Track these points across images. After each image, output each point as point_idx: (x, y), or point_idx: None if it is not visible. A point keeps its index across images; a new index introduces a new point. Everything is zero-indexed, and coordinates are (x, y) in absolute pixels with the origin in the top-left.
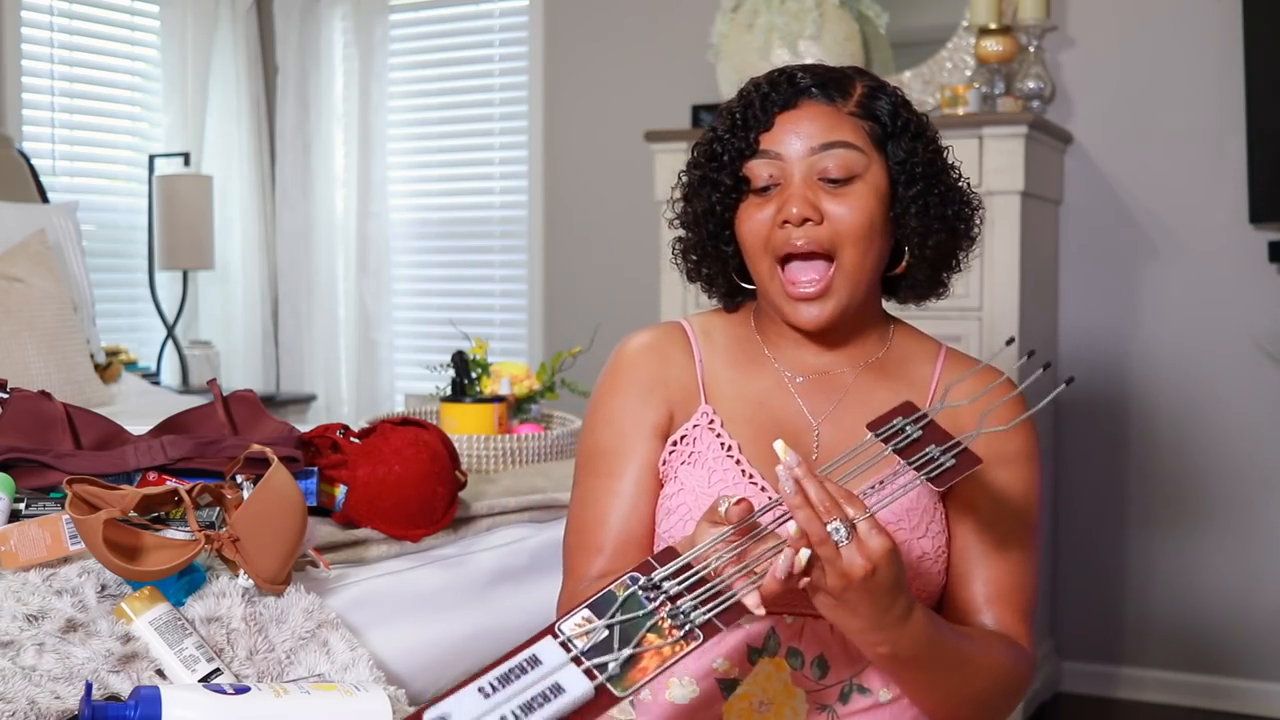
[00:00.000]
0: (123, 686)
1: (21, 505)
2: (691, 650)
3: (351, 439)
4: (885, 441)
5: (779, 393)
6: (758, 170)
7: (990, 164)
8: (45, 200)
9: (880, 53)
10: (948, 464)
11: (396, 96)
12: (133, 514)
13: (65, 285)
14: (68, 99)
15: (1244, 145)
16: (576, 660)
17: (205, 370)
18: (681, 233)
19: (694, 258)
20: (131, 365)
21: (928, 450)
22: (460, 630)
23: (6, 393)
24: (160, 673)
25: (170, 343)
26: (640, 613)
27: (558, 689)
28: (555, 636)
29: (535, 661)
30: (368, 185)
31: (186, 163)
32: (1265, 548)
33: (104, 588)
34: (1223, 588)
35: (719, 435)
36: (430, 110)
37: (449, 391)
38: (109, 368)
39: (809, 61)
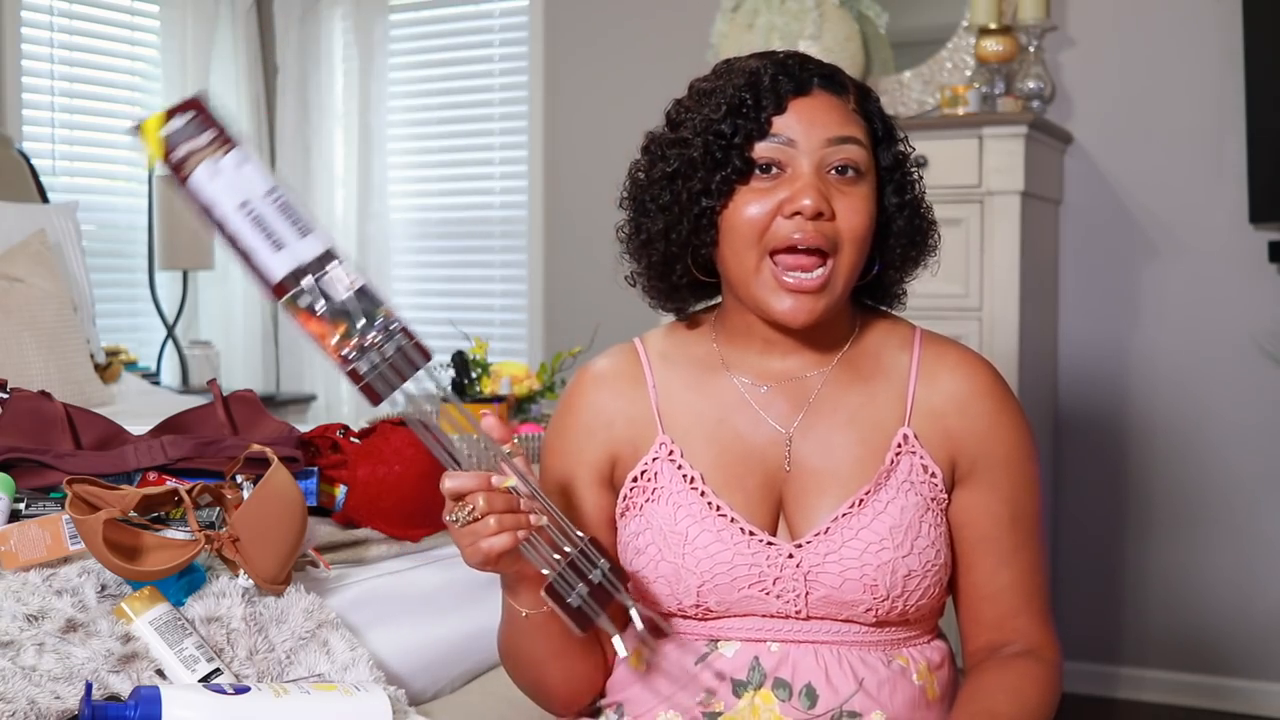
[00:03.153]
0: (123, 686)
1: (21, 505)
2: (328, 358)
3: (351, 439)
4: (581, 553)
5: (741, 408)
6: (763, 153)
7: (990, 164)
8: (45, 200)
9: (880, 53)
10: (571, 599)
11: (396, 96)
12: (133, 514)
13: (65, 285)
14: (68, 99)
15: (1244, 145)
16: (306, 265)
17: (205, 370)
18: (627, 215)
19: (664, 243)
20: (131, 365)
21: (579, 584)
22: (460, 630)
23: (6, 393)
24: (160, 673)
25: (170, 343)
26: (360, 321)
27: (277, 246)
28: (335, 258)
29: (305, 233)
30: (368, 185)
31: None
32: (1265, 547)
33: (104, 588)
34: (1222, 588)
35: (679, 466)
36: (430, 110)
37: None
38: (109, 368)
39: None
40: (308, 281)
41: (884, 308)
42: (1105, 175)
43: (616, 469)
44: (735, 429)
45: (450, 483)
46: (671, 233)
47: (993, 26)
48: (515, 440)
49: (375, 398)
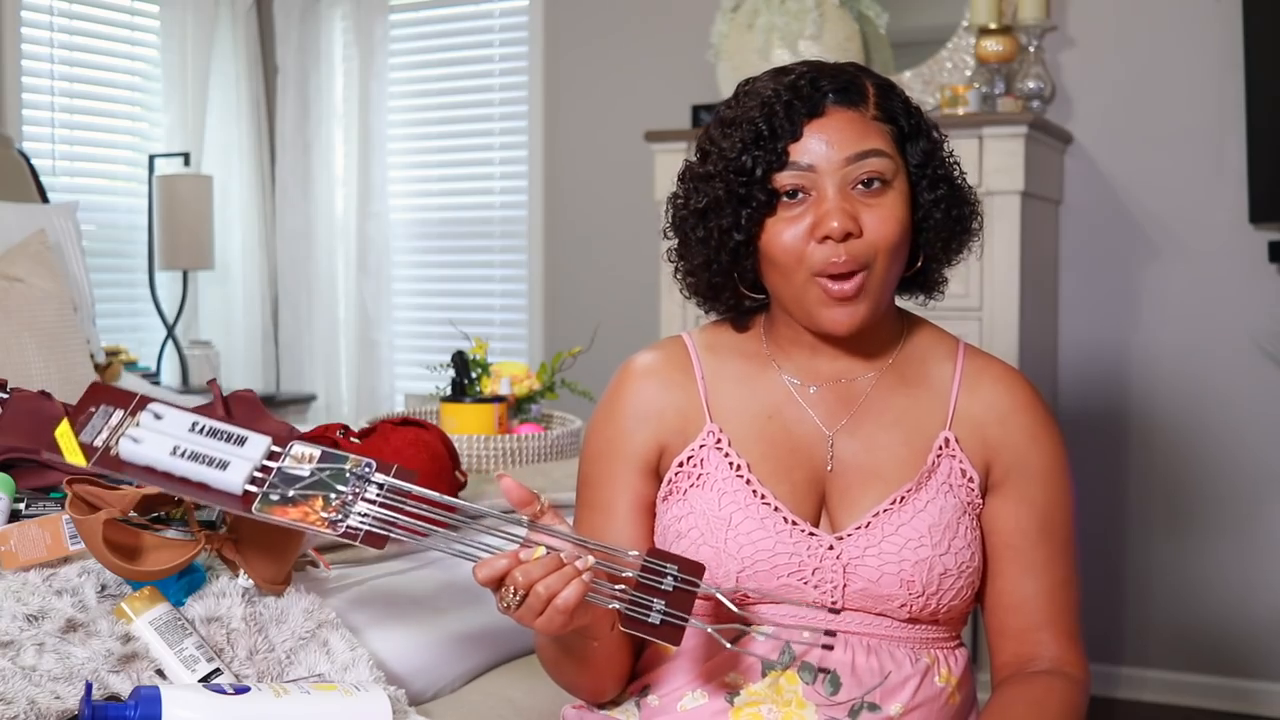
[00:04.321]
0: (123, 686)
1: (21, 505)
2: (320, 532)
3: (351, 439)
4: (644, 571)
5: (789, 405)
6: (785, 182)
7: (990, 164)
8: (45, 200)
9: (880, 53)
10: (652, 619)
11: (396, 96)
12: (133, 514)
13: (65, 285)
14: (68, 99)
15: (1244, 145)
16: (260, 467)
17: (205, 370)
18: (673, 243)
19: (708, 273)
20: (131, 365)
21: (655, 600)
22: (460, 630)
23: (6, 393)
24: (160, 673)
25: (170, 343)
26: (336, 485)
27: (223, 466)
28: (280, 446)
29: (242, 441)
30: (368, 185)
31: (186, 163)
32: (1266, 547)
33: (104, 588)
34: (1223, 587)
35: (727, 454)
36: (430, 110)
37: (449, 391)
38: (109, 368)
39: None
40: (270, 478)
41: (927, 299)
42: (1105, 175)
43: (663, 457)
44: (783, 424)
45: (481, 573)
46: (712, 264)
47: (993, 26)
48: (539, 500)
49: (380, 542)
